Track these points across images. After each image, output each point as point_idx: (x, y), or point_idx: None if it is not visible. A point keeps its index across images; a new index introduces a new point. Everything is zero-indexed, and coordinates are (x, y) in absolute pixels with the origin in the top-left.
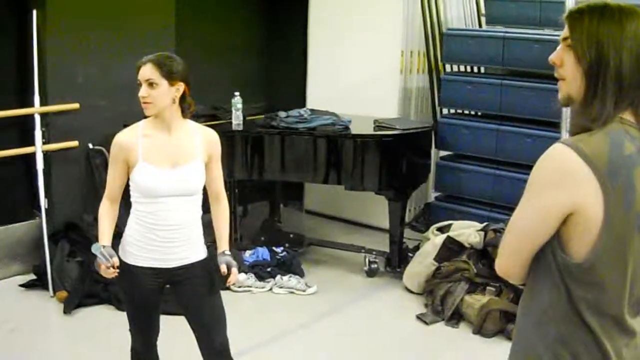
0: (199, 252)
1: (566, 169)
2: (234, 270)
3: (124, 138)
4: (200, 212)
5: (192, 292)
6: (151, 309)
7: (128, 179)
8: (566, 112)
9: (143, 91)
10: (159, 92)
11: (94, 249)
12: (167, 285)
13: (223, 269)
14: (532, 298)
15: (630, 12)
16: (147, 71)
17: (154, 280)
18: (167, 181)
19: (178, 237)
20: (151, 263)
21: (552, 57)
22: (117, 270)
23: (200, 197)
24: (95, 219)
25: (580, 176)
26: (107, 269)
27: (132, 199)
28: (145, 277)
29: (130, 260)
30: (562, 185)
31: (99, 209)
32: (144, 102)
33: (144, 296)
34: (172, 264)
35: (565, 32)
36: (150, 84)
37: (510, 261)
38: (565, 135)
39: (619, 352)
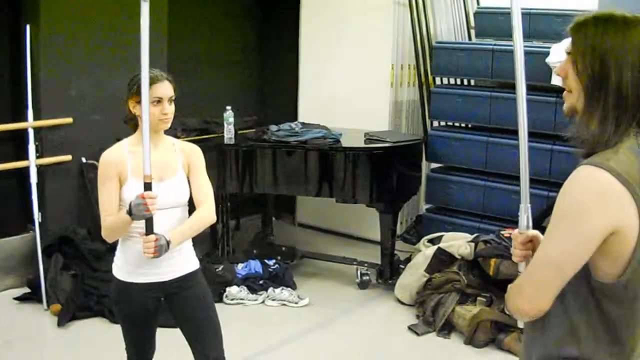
0: (192, 264)
1: (603, 190)
2: (153, 237)
3: (113, 155)
4: None
5: (187, 304)
6: (147, 325)
7: None
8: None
9: (168, 108)
10: (173, 108)
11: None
12: (162, 299)
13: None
14: (554, 319)
15: (634, 22)
16: (168, 88)
17: (150, 296)
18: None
19: (170, 249)
20: (146, 278)
21: (557, 70)
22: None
23: (187, 208)
24: (89, 232)
25: (618, 195)
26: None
27: None
28: (141, 293)
29: (125, 277)
30: (603, 208)
31: (102, 232)
32: (166, 118)
33: (140, 313)
34: (166, 277)
35: (568, 45)
36: (170, 101)
37: (545, 297)
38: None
39: None
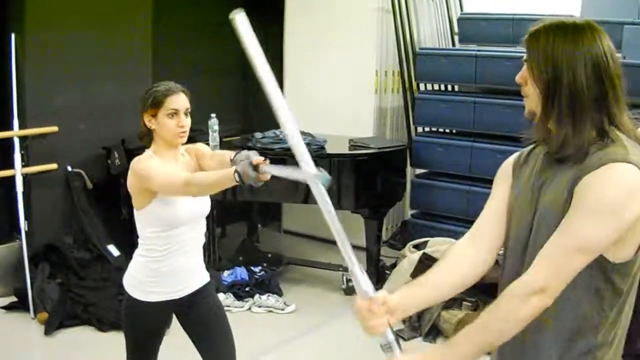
0: (204, 278)
1: (636, 186)
2: (253, 159)
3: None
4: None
5: (200, 317)
6: (155, 342)
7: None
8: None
9: (185, 120)
10: (190, 121)
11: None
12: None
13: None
14: (562, 311)
15: (583, 27)
16: (184, 100)
17: (163, 313)
18: (185, 208)
19: (190, 264)
20: (160, 297)
21: (517, 77)
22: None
23: (205, 221)
24: (75, 241)
25: None
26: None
27: (143, 236)
28: (154, 312)
29: (139, 295)
30: (635, 201)
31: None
32: (182, 132)
33: (151, 329)
34: (180, 294)
35: (525, 54)
36: (186, 113)
37: (565, 283)
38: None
39: None
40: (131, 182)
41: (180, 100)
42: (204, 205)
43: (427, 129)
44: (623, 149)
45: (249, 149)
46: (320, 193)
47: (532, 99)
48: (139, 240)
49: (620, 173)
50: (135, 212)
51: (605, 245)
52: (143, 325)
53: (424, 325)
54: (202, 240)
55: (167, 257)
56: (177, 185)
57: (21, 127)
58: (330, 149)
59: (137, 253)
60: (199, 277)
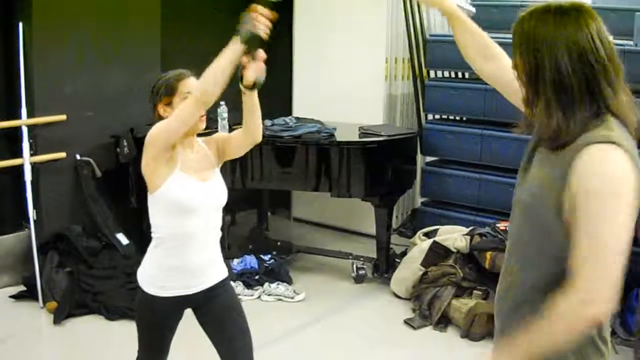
0: (221, 272)
1: (627, 164)
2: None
3: None
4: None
5: (217, 313)
6: (168, 336)
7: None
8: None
9: None
10: None
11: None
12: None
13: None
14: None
15: (567, 10)
16: (197, 83)
17: (177, 309)
18: (200, 194)
19: (205, 259)
20: (173, 292)
21: (511, 66)
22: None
23: (221, 214)
24: (84, 229)
25: (633, 166)
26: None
27: (155, 225)
28: (166, 307)
29: (151, 290)
30: (632, 179)
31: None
32: (203, 115)
33: (163, 324)
34: (194, 289)
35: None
36: None
37: (614, 287)
38: None
39: None
40: (146, 158)
41: (193, 84)
42: (219, 195)
43: (437, 116)
44: (607, 131)
45: None
46: None
47: (522, 87)
48: (152, 234)
49: (612, 159)
50: (148, 199)
51: (628, 226)
52: (156, 320)
53: (434, 314)
54: (218, 234)
55: (179, 251)
56: (191, 104)
57: (29, 115)
58: (340, 136)
59: (150, 247)
60: (216, 272)
